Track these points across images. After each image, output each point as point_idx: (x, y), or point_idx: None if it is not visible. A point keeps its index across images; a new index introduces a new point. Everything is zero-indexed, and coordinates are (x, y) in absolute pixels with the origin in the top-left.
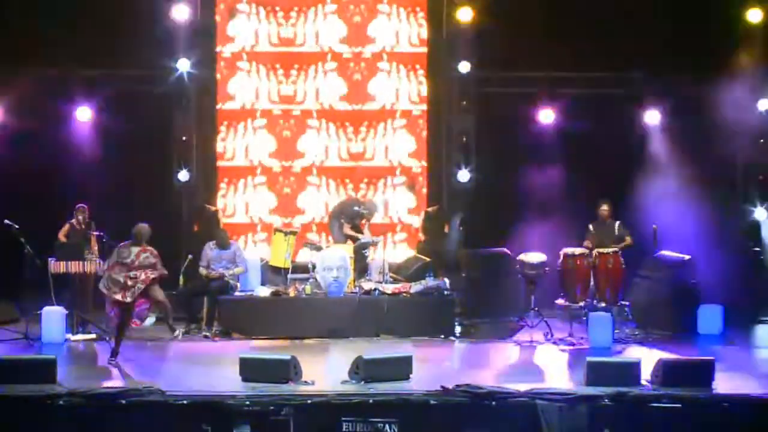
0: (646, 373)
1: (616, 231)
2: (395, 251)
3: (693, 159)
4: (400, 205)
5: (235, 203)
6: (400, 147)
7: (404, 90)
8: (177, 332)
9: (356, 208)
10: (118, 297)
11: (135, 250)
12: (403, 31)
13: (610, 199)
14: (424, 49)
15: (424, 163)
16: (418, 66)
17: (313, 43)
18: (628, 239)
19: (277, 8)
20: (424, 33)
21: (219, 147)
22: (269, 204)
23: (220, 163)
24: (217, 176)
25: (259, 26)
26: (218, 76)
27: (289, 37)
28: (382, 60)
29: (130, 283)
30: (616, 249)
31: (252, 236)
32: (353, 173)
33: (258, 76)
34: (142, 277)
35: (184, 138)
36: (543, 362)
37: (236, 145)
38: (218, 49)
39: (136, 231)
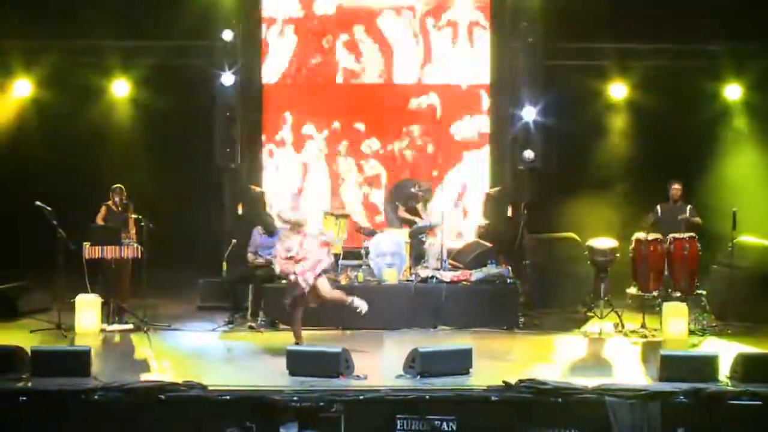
0: (724, 368)
1: (687, 215)
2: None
3: None
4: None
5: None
6: (461, 123)
7: (465, 63)
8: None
9: (412, 189)
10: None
11: (296, 239)
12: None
13: (684, 180)
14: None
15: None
16: (481, 36)
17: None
18: (698, 220)
19: None
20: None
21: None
22: (320, 183)
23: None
24: (262, 155)
25: None
26: (265, 48)
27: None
28: (441, 29)
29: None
30: (692, 234)
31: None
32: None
33: (308, 47)
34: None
35: (227, 114)
36: (613, 356)
37: (283, 122)
38: (265, 16)
39: (293, 222)
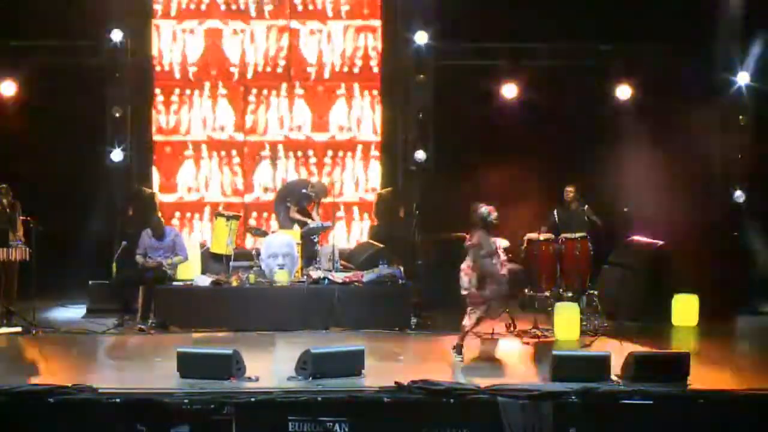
0: (615, 368)
1: (585, 216)
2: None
3: (667, 137)
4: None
5: (177, 181)
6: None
7: (355, 63)
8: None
9: (304, 190)
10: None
11: (490, 238)
12: None
13: (576, 180)
14: (377, 22)
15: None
16: (370, 36)
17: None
18: (598, 222)
19: None
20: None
21: (158, 122)
22: (216, 182)
23: (157, 138)
24: (154, 156)
25: None
26: (155, 46)
27: None
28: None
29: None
30: (584, 234)
31: (199, 218)
32: (306, 147)
33: (201, 42)
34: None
35: (117, 115)
36: (505, 356)
37: (177, 120)
38: (155, 12)
39: (478, 217)
